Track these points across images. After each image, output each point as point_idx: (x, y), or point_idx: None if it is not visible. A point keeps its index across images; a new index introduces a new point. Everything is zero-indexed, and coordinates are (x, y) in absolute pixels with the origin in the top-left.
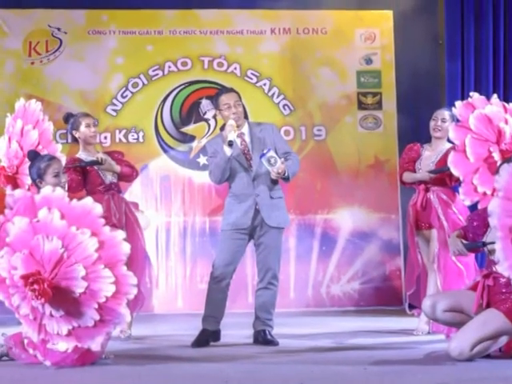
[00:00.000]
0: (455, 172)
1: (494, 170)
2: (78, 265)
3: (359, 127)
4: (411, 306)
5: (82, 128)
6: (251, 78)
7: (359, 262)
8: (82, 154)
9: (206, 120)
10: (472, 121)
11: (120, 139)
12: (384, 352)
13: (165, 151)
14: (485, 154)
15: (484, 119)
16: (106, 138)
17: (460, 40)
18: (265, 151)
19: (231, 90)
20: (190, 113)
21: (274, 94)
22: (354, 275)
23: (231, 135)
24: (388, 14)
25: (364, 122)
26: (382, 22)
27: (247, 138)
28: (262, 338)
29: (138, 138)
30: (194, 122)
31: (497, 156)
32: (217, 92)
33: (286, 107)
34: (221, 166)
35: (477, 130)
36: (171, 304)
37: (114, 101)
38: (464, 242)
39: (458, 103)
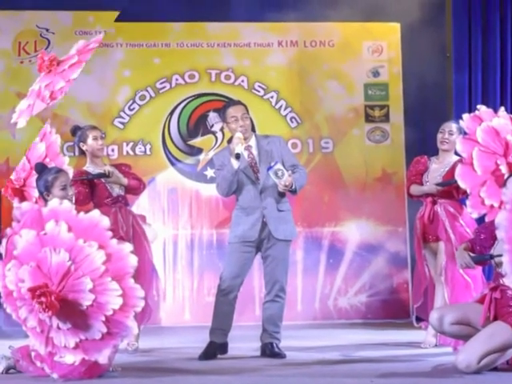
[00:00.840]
0: (462, 185)
1: (502, 183)
2: (86, 277)
3: (366, 140)
4: (418, 319)
5: (90, 141)
6: (258, 91)
7: (366, 275)
8: (89, 167)
9: (214, 133)
10: (479, 133)
11: (127, 152)
12: (391, 365)
13: (172, 164)
14: (492, 167)
15: (491, 132)
16: (113, 150)
17: (467, 52)
18: (272, 164)
19: (238, 103)
20: (197, 125)
21: (281, 106)
22: (361, 288)
23: (238, 148)
24: (395, 27)
25: (371, 135)
26: (390, 34)
27: (254, 151)
28: (270, 351)
29: (145, 151)
30: (202, 135)
31: (504, 169)
32: (224, 105)
33: (293, 120)
34: (228, 178)
35: (484, 142)
36: (178, 317)
37: (122, 113)
38: (471, 254)
39: (466, 116)
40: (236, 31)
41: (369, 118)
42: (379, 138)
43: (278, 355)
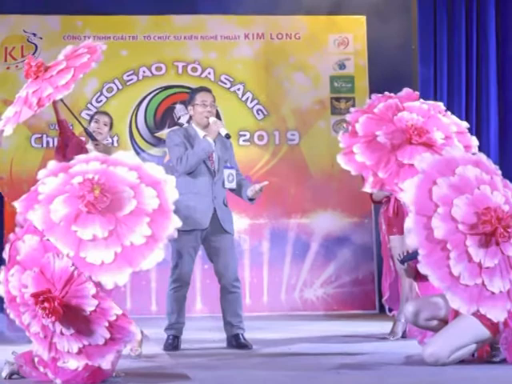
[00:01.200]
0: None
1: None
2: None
3: (332, 132)
4: (389, 309)
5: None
6: (225, 83)
7: (332, 267)
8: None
9: (181, 124)
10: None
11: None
12: (358, 357)
13: (139, 155)
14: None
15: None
16: None
17: (433, 45)
18: (229, 165)
19: (210, 91)
20: (164, 117)
21: (247, 98)
22: (327, 279)
23: (224, 129)
24: (361, 20)
25: (337, 127)
26: (356, 27)
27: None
28: (236, 342)
29: (112, 143)
30: (169, 127)
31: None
32: (195, 88)
33: (259, 112)
34: (201, 156)
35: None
36: (145, 307)
37: (89, 106)
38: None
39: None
40: (203, 24)
41: (335, 110)
42: (345, 129)
43: (245, 346)
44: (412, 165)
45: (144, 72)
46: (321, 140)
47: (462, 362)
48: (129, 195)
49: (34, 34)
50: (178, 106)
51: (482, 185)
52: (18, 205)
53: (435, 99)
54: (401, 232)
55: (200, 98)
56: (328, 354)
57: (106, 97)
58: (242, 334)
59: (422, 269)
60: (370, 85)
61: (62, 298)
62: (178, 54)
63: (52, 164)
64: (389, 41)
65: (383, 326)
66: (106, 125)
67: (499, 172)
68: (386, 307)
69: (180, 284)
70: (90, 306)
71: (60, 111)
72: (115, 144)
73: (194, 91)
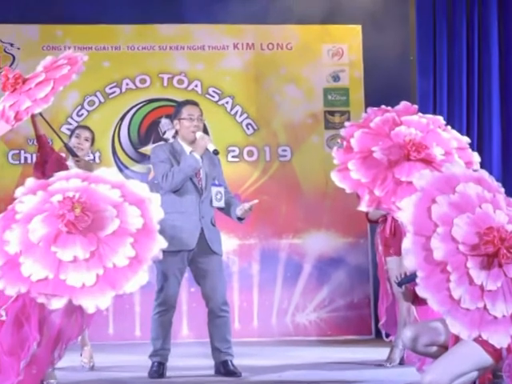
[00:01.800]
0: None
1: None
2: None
3: (326, 147)
4: (386, 334)
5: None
6: (213, 96)
7: (326, 289)
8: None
9: (166, 140)
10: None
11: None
12: None
13: (121, 172)
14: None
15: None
16: None
17: (432, 56)
18: (217, 183)
19: (197, 104)
20: (148, 132)
21: (236, 112)
22: (320, 303)
23: (212, 145)
24: (356, 29)
25: (331, 142)
26: (351, 37)
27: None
28: (225, 369)
29: (94, 159)
30: (153, 142)
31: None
32: (181, 102)
33: (249, 126)
34: (187, 173)
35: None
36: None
37: (70, 120)
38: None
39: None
40: (189, 33)
41: (329, 125)
42: (340, 145)
43: (234, 374)
44: (410, 182)
45: (127, 84)
46: (314, 156)
47: None
48: (111, 214)
49: (11, 44)
50: (164, 121)
51: (484, 203)
52: None
53: (434, 113)
54: (398, 253)
55: (186, 112)
56: (321, 381)
57: (88, 110)
58: (231, 361)
59: (421, 292)
60: (366, 98)
61: None
62: (163, 66)
63: (30, 181)
64: (385, 51)
65: (380, 352)
66: (87, 140)
67: (502, 190)
68: (383, 332)
69: (165, 308)
70: None
71: (39, 126)
72: (97, 160)
73: (180, 104)
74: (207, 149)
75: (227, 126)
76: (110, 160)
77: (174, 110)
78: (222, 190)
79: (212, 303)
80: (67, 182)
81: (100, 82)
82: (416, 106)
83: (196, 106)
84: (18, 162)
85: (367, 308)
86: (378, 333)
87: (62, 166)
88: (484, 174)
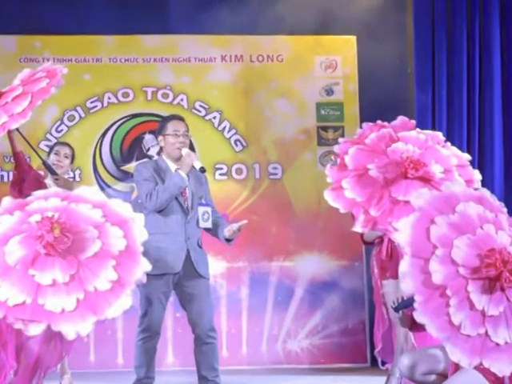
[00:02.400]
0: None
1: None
2: None
3: (319, 165)
4: (383, 362)
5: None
6: (199, 111)
7: (319, 315)
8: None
9: (150, 157)
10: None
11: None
12: None
13: (103, 191)
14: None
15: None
16: None
17: (431, 68)
18: (204, 202)
19: (183, 119)
20: (131, 149)
21: (224, 128)
22: (313, 329)
23: (199, 162)
24: (351, 40)
25: (324, 160)
26: (345, 48)
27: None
28: None
29: (74, 177)
30: (137, 159)
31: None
32: (166, 117)
33: (237, 143)
34: (172, 192)
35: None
36: (111, 360)
37: (48, 136)
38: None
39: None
40: (174, 45)
41: (322, 141)
42: (333, 162)
43: None
44: (407, 201)
45: (109, 98)
46: (306, 174)
47: None
48: (92, 235)
49: None
50: (148, 137)
51: (486, 224)
52: None
53: (433, 128)
54: (395, 276)
55: (172, 128)
56: None
57: (67, 126)
58: None
59: (419, 317)
60: (361, 112)
61: None
62: (147, 79)
63: (7, 201)
64: (381, 63)
65: (376, 381)
66: (66, 157)
67: (505, 209)
68: (379, 360)
69: (149, 334)
70: None
71: (16, 142)
72: (77, 178)
73: (164, 120)
74: (193, 166)
75: (214, 142)
76: (90, 178)
77: (159, 125)
78: (209, 209)
79: (199, 329)
80: (46, 201)
81: (80, 95)
82: (414, 122)
83: (182, 122)
84: None
85: (362, 334)
86: (374, 360)
87: (41, 185)
88: (486, 192)
